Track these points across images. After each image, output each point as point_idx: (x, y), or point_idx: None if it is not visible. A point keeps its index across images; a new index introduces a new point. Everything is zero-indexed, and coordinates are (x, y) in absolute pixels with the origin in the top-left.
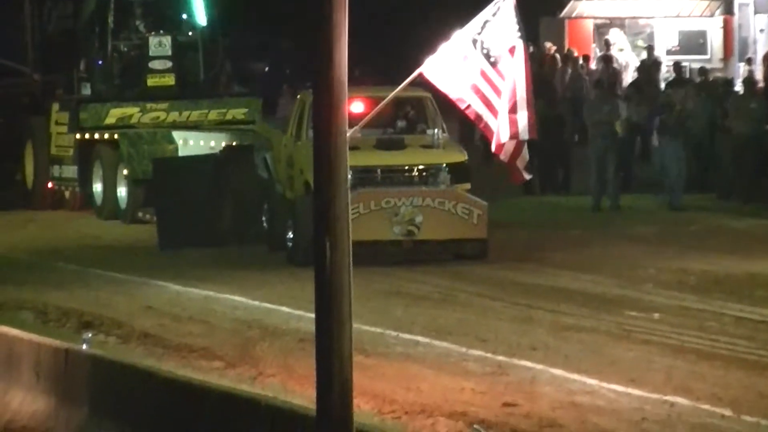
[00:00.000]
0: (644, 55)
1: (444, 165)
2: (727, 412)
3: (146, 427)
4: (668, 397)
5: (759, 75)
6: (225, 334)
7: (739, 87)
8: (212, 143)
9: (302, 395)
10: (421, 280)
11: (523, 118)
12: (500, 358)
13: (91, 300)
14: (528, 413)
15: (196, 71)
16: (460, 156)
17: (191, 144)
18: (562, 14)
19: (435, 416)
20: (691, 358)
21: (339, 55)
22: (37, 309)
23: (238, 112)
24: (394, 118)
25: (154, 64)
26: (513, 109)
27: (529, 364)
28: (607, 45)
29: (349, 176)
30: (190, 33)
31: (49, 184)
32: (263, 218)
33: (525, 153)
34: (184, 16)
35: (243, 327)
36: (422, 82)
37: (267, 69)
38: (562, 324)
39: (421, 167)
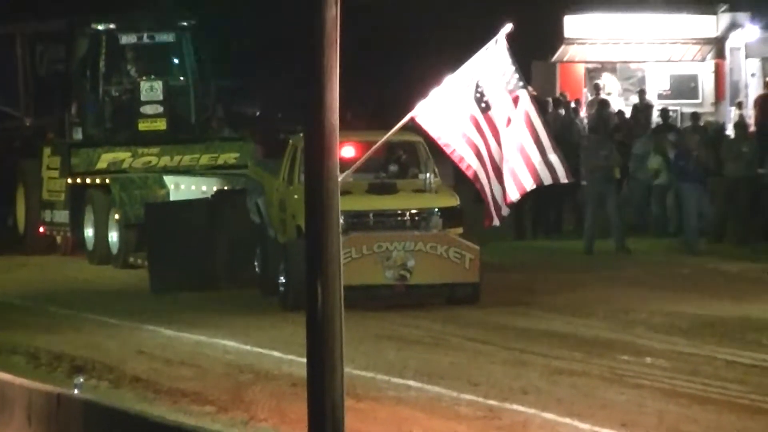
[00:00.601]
0: (636, 99)
1: (436, 209)
2: None
3: None
4: None
5: (751, 119)
6: (217, 379)
7: (730, 131)
8: (204, 187)
9: None
10: (412, 324)
11: (556, 161)
12: (492, 402)
13: (82, 344)
14: None
15: (187, 115)
16: (452, 200)
17: (183, 188)
18: (554, 58)
19: None
20: (683, 402)
21: (331, 99)
22: (29, 353)
23: (229, 156)
24: (386, 163)
25: (146, 109)
26: (543, 153)
27: (521, 408)
28: (597, 89)
29: (341, 220)
30: (181, 77)
31: (41, 229)
32: (255, 263)
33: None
34: (176, 60)
35: (235, 371)
36: (413, 127)
37: (258, 114)
38: (554, 368)
39: (413, 211)
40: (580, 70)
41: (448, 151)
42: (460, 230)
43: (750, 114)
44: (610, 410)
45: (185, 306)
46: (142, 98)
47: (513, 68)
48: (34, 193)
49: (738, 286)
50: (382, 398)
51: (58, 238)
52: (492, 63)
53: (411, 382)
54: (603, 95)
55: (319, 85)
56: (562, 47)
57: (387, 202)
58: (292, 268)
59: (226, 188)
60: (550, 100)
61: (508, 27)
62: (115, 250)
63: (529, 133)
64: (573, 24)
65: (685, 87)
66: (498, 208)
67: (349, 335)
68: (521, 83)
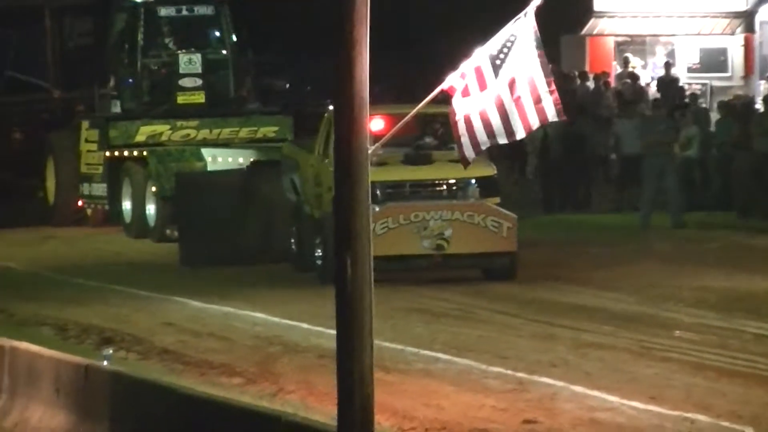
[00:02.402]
0: (662, 71)
1: (472, 179)
2: (748, 430)
3: None
4: (688, 414)
5: None
6: (245, 351)
7: (759, 105)
8: (241, 160)
9: (322, 412)
10: (441, 297)
11: (549, 104)
12: (520, 374)
13: (111, 316)
14: (548, 430)
15: (225, 89)
16: (489, 170)
17: (220, 161)
18: (583, 32)
19: None
20: (711, 376)
21: (360, 72)
22: (57, 325)
23: (269, 130)
24: (422, 135)
25: (184, 82)
26: (537, 101)
27: (549, 381)
28: (626, 63)
29: (378, 191)
30: (220, 50)
31: (79, 202)
32: (292, 240)
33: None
34: (214, 33)
35: (263, 343)
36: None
37: (288, 86)
38: (583, 341)
39: (449, 181)
40: (610, 43)
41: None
42: (497, 200)
43: None
44: (638, 384)
45: (214, 278)
46: (181, 71)
47: (535, 40)
48: (65, 165)
49: (766, 261)
50: (410, 371)
51: (89, 211)
52: (520, 37)
53: (439, 355)
54: (631, 68)
55: (349, 59)
56: (592, 20)
57: (423, 172)
58: (329, 241)
59: (261, 159)
60: (576, 73)
61: (538, 1)
62: (152, 223)
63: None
64: None
65: (714, 60)
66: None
67: (378, 308)
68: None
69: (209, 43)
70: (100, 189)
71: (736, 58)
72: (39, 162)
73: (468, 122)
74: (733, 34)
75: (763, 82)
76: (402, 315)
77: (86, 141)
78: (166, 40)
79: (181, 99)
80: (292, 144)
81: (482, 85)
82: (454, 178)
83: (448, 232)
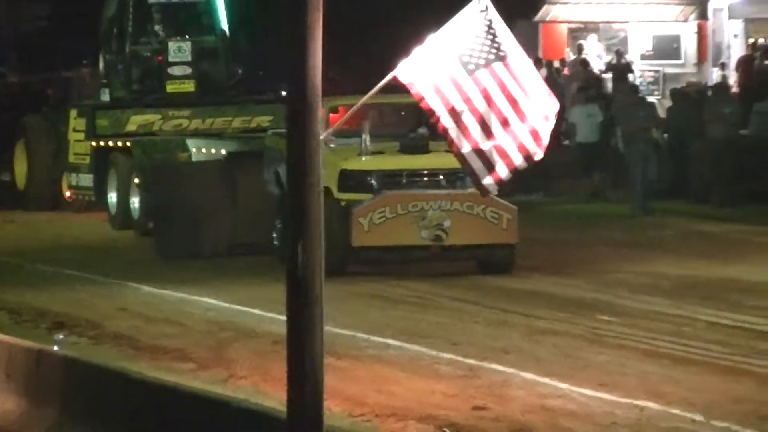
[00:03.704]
0: (613, 58)
1: None
2: (698, 417)
3: (118, 429)
4: (639, 402)
5: (733, 80)
6: (198, 336)
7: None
8: (223, 151)
9: (274, 397)
10: (396, 284)
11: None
12: (472, 361)
13: (65, 301)
14: (498, 417)
15: (217, 77)
16: None
17: (204, 152)
18: (536, 18)
19: (406, 419)
20: (665, 363)
21: (313, 58)
22: (12, 309)
23: (263, 120)
24: (416, 125)
25: (174, 70)
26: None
27: (500, 367)
28: (579, 50)
29: (374, 180)
30: (210, 38)
31: (67, 193)
32: (274, 235)
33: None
34: (205, 20)
35: (216, 329)
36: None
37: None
38: (536, 328)
39: (447, 171)
40: (563, 30)
41: (427, 109)
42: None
43: (733, 75)
44: (591, 371)
45: (168, 264)
46: (170, 59)
47: (499, 30)
48: (39, 150)
49: (721, 248)
50: (362, 357)
51: (67, 195)
52: (476, 23)
53: (391, 341)
54: (584, 55)
55: (302, 44)
56: (545, 7)
57: (421, 161)
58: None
59: (242, 151)
60: (531, 60)
61: None
62: (136, 215)
63: (516, 99)
64: None
65: (667, 48)
66: (483, 175)
67: (333, 294)
68: (508, 46)
69: (200, 30)
70: (87, 179)
71: (689, 45)
72: (5, 145)
73: (478, 151)
74: (686, 21)
75: (716, 69)
76: (356, 301)
77: (74, 130)
78: (156, 28)
79: (170, 88)
80: (276, 134)
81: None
82: (452, 168)
83: (446, 222)
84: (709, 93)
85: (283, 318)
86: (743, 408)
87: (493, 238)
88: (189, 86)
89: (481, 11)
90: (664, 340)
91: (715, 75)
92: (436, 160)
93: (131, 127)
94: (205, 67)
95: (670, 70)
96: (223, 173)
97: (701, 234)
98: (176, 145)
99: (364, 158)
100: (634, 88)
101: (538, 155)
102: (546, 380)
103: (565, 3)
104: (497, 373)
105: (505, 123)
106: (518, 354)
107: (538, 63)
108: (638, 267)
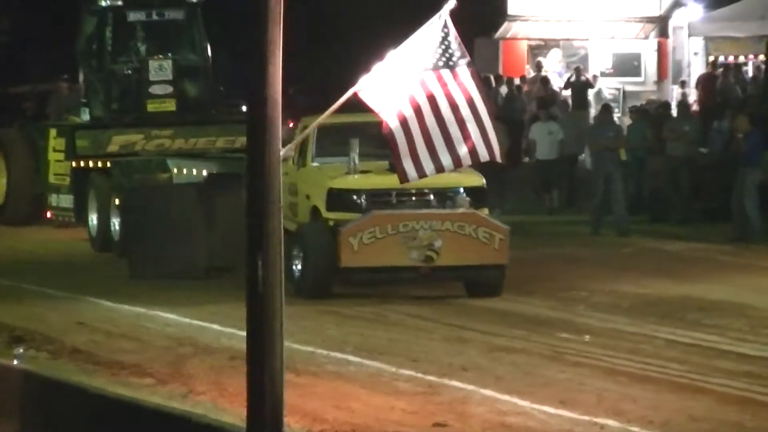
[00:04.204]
0: (572, 75)
1: (461, 188)
2: None
3: None
4: (599, 419)
5: (693, 97)
6: (156, 352)
7: (673, 110)
8: (204, 172)
9: (233, 413)
10: (354, 300)
11: (494, 139)
12: (431, 378)
13: (23, 315)
14: None
15: (198, 96)
16: (478, 179)
17: (185, 172)
18: (497, 35)
19: None
20: (623, 381)
21: (273, 74)
22: None
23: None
24: None
25: (154, 89)
26: (483, 130)
27: (460, 384)
28: (539, 67)
29: (363, 200)
30: (192, 56)
31: (48, 214)
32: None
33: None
34: (186, 38)
35: (175, 344)
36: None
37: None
38: (495, 345)
39: (437, 190)
40: (523, 47)
41: (384, 124)
42: (485, 211)
43: (693, 93)
44: (550, 388)
45: (126, 280)
46: (151, 78)
47: (455, 41)
48: (18, 164)
49: (679, 266)
50: (321, 373)
51: (49, 213)
52: (433, 36)
53: (350, 357)
54: (544, 72)
55: (263, 60)
56: (505, 24)
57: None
58: (309, 252)
59: (222, 172)
60: (492, 77)
61: (452, 3)
62: (116, 236)
63: (469, 109)
64: (516, 1)
65: (628, 65)
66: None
67: (290, 310)
68: (462, 56)
69: (181, 48)
70: (67, 200)
71: (649, 62)
72: None
73: (411, 143)
74: (646, 38)
75: (676, 86)
76: (314, 317)
77: (54, 150)
78: (136, 45)
79: (151, 107)
80: None
81: (413, 103)
82: (442, 187)
83: (437, 243)
84: (672, 110)
85: (243, 334)
86: (701, 426)
87: (484, 259)
88: (170, 105)
89: (441, 25)
90: (623, 358)
91: (675, 93)
92: (426, 179)
93: (113, 147)
94: (186, 86)
95: (630, 88)
96: (202, 194)
97: (659, 252)
98: (156, 165)
99: (352, 177)
100: (607, 108)
101: (484, 158)
102: (506, 397)
103: (525, 20)
104: (457, 390)
105: (443, 125)
106: (477, 371)
107: (498, 80)
108: (596, 285)
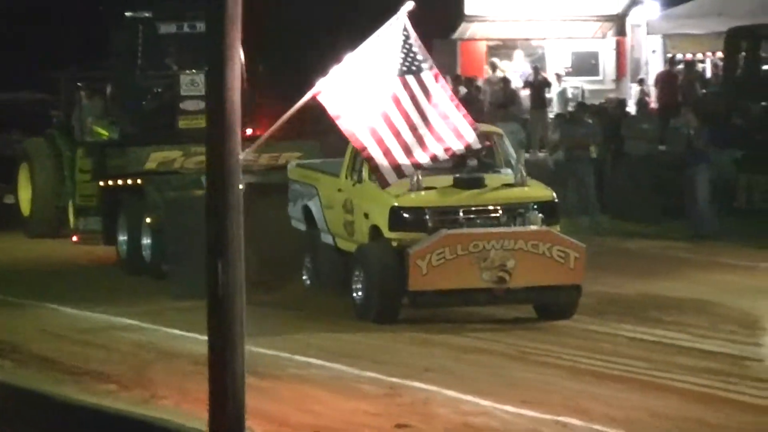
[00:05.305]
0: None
1: (533, 204)
2: None
3: None
4: (561, 418)
5: (652, 96)
6: (119, 357)
7: (632, 108)
8: (242, 186)
9: (196, 417)
10: (318, 302)
11: (468, 131)
12: (394, 379)
13: None
14: None
15: None
16: (548, 193)
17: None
18: (455, 36)
19: None
20: (586, 379)
21: (232, 77)
22: None
23: (292, 156)
24: (463, 158)
25: (187, 105)
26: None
27: (423, 385)
28: (494, 67)
29: (428, 218)
30: None
31: (74, 238)
32: (303, 272)
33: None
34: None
35: (138, 350)
36: (492, 119)
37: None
38: (459, 346)
39: (506, 206)
40: (482, 47)
41: (343, 129)
42: (557, 227)
43: (652, 91)
44: (513, 388)
45: (88, 286)
46: (182, 93)
47: (416, 45)
48: (42, 175)
49: (639, 263)
50: (284, 376)
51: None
52: (393, 40)
53: (313, 360)
54: (499, 73)
55: (221, 63)
56: (463, 24)
57: (478, 196)
58: (372, 273)
59: (263, 183)
60: (449, 78)
61: (410, 4)
62: (148, 258)
63: (434, 111)
64: (473, 1)
65: (586, 64)
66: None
67: (252, 313)
68: (425, 61)
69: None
70: (95, 222)
71: (607, 61)
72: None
73: (381, 145)
74: (604, 37)
75: (634, 85)
76: (280, 320)
77: (80, 171)
78: (167, 60)
79: (182, 123)
80: (304, 166)
81: (379, 107)
82: (512, 203)
83: (510, 263)
84: (630, 109)
85: (205, 338)
86: (664, 424)
87: (558, 279)
88: (202, 122)
89: (401, 28)
90: (586, 357)
91: (633, 91)
92: (493, 194)
93: (150, 164)
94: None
95: (589, 87)
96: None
97: (620, 250)
98: (191, 182)
99: (417, 194)
100: (582, 106)
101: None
102: (469, 398)
103: (483, 20)
104: (420, 391)
105: (413, 128)
106: (441, 372)
107: (457, 80)
108: None
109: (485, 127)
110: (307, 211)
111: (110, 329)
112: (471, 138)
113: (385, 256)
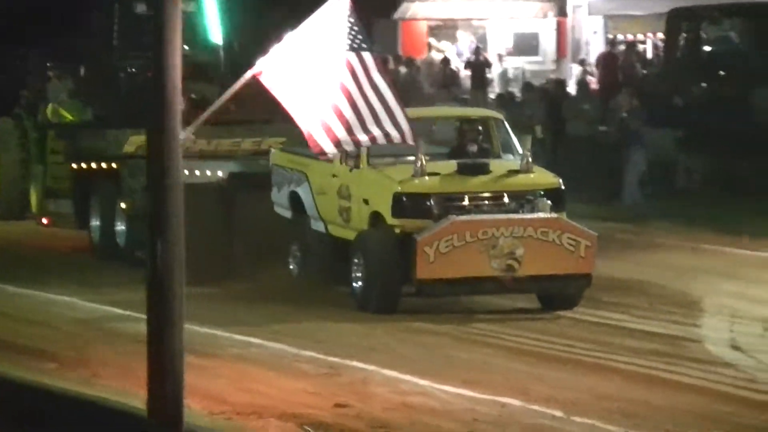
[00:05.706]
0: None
1: (540, 190)
2: (559, 413)
3: None
4: (501, 398)
5: (593, 77)
6: (62, 336)
7: (572, 88)
8: (219, 173)
9: (137, 396)
10: (260, 281)
11: (404, 122)
12: (334, 359)
13: None
14: (359, 414)
15: (214, 94)
16: (555, 180)
17: (198, 173)
18: (396, 16)
19: (266, 417)
20: (530, 361)
21: (172, 54)
22: None
23: (275, 142)
24: (463, 143)
25: None
26: (390, 114)
27: (362, 365)
28: (429, 47)
29: (434, 204)
30: (206, 51)
31: (44, 220)
32: (290, 260)
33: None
34: (200, 32)
35: (80, 329)
36: (493, 103)
37: None
38: (402, 326)
39: (513, 193)
40: (422, 27)
41: (285, 106)
42: (563, 214)
43: (593, 71)
44: (455, 368)
45: (32, 264)
46: None
47: (356, 26)
48: (7, 156)
49: None
50: (223, 355)
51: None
52: (334, 20)
53: (253, 339)
54: (436, 53)
55: (161, 41)
56: (404, 4)
57: (485, 182)
58: (374, 263)
59: (244, 172)
60: (390, 58)
61: None
62: (122, 243)
63: (374, 93)
64: None
65: (527, 44)
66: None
67: (196, 293)
68: (365, 42)
69: (194, 43)
70: (67, 205)
71: (548, 42)
72: None
73: (323, 121)
74: (545, 17)
75: (575, 65)
76: (217, 299)
77: (52, 152)
78: (144, 41)
79: None
80: (289, 151)
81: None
82: (520, 190)
83: (519, 251)
84: (570, 89)
85: (145, 317)
86: (607, 405)
87: (569, 268)
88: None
89: (344, 7)
90: (530, 338)
91: (574, 71)
92: (500, 181)
93: (129, 148)
94: (197, 84)
95: (529, 67)
96: (222, 196)
97: None
98: None
99: (421, 180)
100: (530, 86)
101: (397, 140)
102: (407, 377)
103: (424, 0)
104: (359, 371)
105: (354, 106)
106: (383, 352)
107: (397, 60)
108: None
109: (486, 112)
110: (294, 198)
111: (52, 307)
112: (407, 131)
113: (387, 245)
